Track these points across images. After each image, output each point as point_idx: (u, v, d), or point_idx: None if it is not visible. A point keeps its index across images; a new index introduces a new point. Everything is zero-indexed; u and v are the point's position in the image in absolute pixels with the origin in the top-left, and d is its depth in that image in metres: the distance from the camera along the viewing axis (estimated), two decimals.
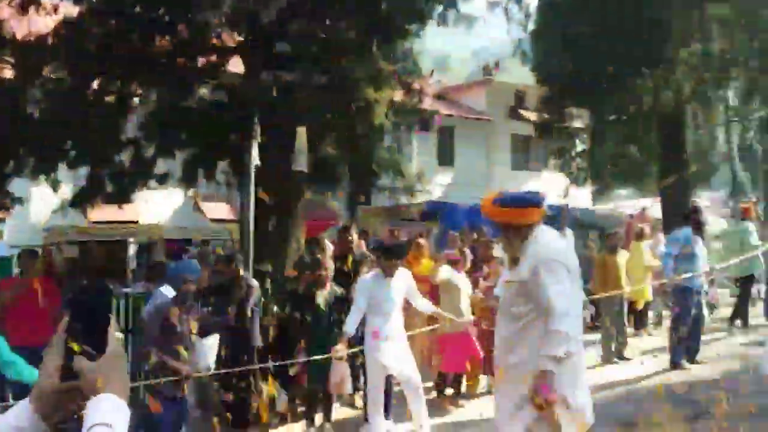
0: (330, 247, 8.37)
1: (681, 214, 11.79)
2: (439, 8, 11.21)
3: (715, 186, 27.56)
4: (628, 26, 13.59)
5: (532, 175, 24.97)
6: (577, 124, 17.97)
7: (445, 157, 23.43)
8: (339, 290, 6.72)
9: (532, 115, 20.51)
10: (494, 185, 23.07)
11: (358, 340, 6.27)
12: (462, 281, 7.42)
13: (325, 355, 6.08)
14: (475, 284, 7.75)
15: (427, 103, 17.72)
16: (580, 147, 18.31)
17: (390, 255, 6.23)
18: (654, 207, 19.16)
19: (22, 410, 1.20)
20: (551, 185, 22.57)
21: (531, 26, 16.86)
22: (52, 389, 1.20)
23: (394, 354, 6.04)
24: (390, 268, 6.10)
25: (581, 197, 23.58)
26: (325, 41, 8.02)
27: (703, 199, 20.66)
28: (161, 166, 9.21)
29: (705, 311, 8.97)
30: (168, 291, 5.37)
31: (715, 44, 14.34)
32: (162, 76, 8.11)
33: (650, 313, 11.86)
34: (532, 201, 3.88)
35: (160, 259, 12.33)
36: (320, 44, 7.51)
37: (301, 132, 7.74)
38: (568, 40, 14.57)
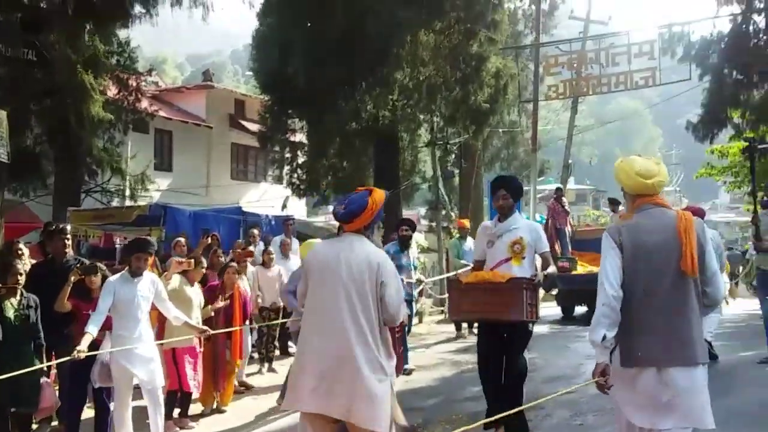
0: (26, 252, 7.30)
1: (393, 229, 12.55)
2: None
3: (417, 204, 30.09)
4: (349, 43, 14.09)
5: (251, 185, 24.91)
6: (299, 135, 18.23)
7: (163, 162, 22.26)
8: (33, 299, 5.78)
9: (253, 125, 20.42)
10: (214, 194, 22.56)
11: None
12: (194, 292, 6.93)
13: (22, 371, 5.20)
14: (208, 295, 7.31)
15: (145, 104, 16.81)
16: (300, 159, 18.55)
17: (133, 249, 5.74)
18: None
19: None
20: (270, 196, 22.74)
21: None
22: None
23: (142, 362, 5.54)
24: (136, 264, 5.62)
25: (299, 209, 24.08)
26: (30, 10, 6.94)
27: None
28: None
29: (414, 320, 9.50)
30: None
31: (425, 69, 15.55)
32: None
33: None
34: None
35: None
36: (25, 13, 6.49)
37: (2, 116, 6.66)
38: (289, 51, 14.64)
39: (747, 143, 14.95)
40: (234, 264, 7.88)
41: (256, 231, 10.56)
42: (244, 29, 16.64)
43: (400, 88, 15.73)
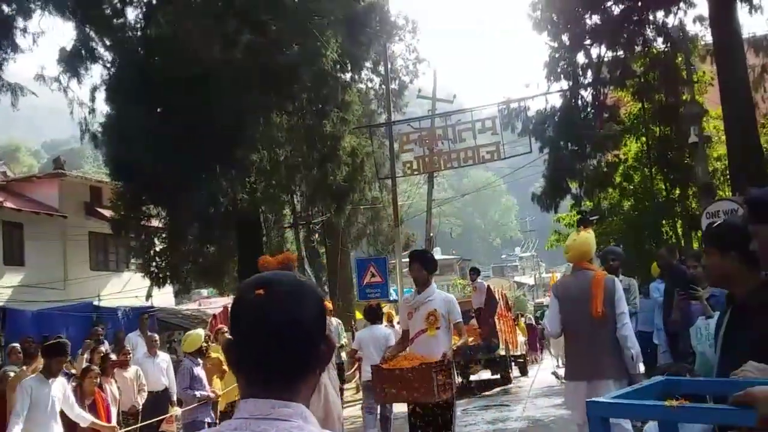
0: None
1: None
2: None
3: None
4: (201, 127, 14.04)
5: (113, 275, 23.84)
6: (156, 222, 17.77)
7: (14, 256, 20.91)
8: None
9: (109, 212, 19.74)
10: (72, 286, 21.35)
11: None
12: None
13: None
14: None
15: None
16: (159, 246, 18.02)
17: (54, 352, 5.80)
18: None
19: None
20: (134, 285, 21.80)
21: (101, 113, 16.26)
22: None
23: None
24: (57, 366, 5.77)
25: (165, 297, 23.23)
26: None
27: None
28: None
29: None
30: None
31: (281, 150, 15.74)
32: None
33: None
34: None
35: None
36: None
37: None
38: (140, 136, 14.34)
39: (580, 215, 16.16)
40: (95, 368, 7.53)
41: (99, 329, 9.96)
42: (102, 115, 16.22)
43: (258, 169, 15.80)
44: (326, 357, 1.35)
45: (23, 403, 5.41)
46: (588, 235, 5.24)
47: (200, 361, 8.40)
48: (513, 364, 16.61)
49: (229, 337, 1.35)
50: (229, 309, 1.19)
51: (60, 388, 5.78)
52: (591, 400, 2.47)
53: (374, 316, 9.39)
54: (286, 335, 1.29)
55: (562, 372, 12.31)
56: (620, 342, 4.90)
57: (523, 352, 18.07)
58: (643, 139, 18.34)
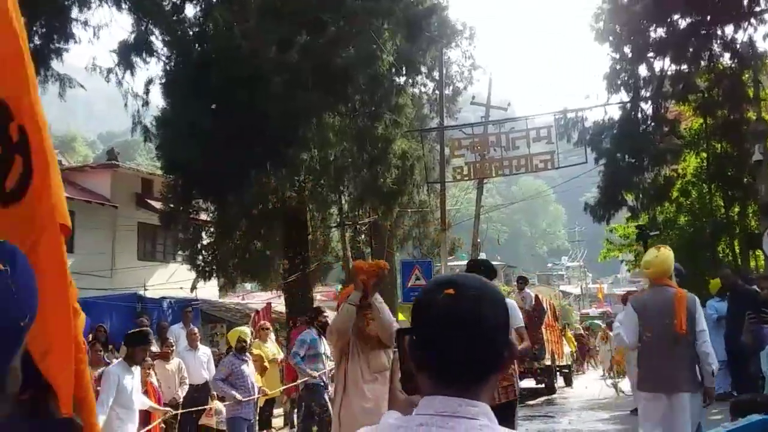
0: None
1: (306, 313, 12.36)
2: None
3: (330, 281, 29.85)
4: (253, 125, 14.03)
5: (160, 266, 24.16)
6: (204, 216, 17.88)
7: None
8: None
9: (161, 204, 19.97)
10: (120, 275, 21.71)
11: None
12: None
13: None
14: None
15: None
16: (206, 240, 18.14)
17: (139, 341, 5.97)
18: (279, 301, 19.88)
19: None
20: (180, 277, 22.05)
21: (155, 106, 16.34)
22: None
23: None
24: (141, 355, 5.97)
25: (209, 290, 23.46)
26: None
27: (320, 294, 22.16)
28: None
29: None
30: None
31: (332, 151, 15.67)
32: None
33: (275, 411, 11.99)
34: None
35: None
36: None
37: None
38: (194, 131, 14.39)
39: (639, 230, 15.69)
40: (147, 359, 7.56)
41: (144, 320, 10.02)
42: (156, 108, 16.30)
43: (308, 169, 15.75)
44: (509, 359, 1.36)
45: (109, 392, 5.43)
46: (669, 253, 5.42)
47: (247, 357, 8.41)
48: (558, 374, 16.49)
49: (410, 335, 1.36)
50: (412, 307, 1.15)
51: (138, 376, 5.95)
52: None
53: None
54: (474, 336, 1.30)
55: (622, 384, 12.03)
56: (701, 358, 5.14)
57: (569, 363, 17.92)
58: (703, 154, 17.83)
